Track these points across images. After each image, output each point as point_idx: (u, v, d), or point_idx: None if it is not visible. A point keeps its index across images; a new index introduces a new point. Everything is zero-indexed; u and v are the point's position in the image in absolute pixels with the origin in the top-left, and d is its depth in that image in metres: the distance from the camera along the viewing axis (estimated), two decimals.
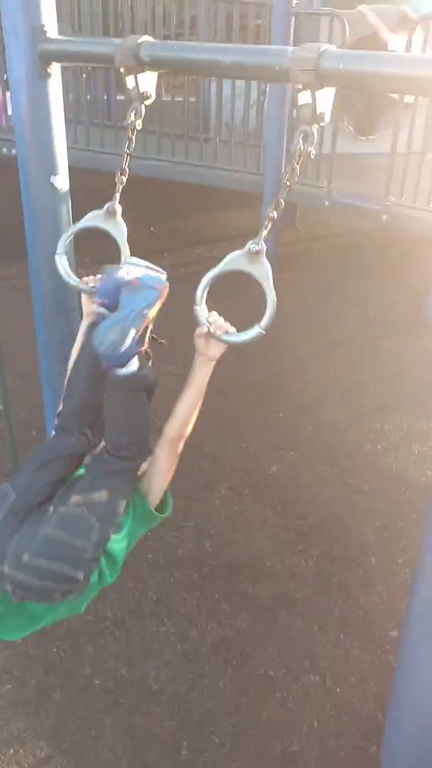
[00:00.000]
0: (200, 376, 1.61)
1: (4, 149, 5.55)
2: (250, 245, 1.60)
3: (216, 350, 1.59)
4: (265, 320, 1.59)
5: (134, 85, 1.82)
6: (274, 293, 1.59)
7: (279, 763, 1.92)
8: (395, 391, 3.83)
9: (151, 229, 6.17)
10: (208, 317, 1.60)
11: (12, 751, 1.94)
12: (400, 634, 2.01)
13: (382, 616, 2.39)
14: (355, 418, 3.57)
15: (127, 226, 1.91)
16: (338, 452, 3.28)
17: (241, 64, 1.59)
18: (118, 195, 1.91)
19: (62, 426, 1.73)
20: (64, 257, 1.94)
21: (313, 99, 1.48)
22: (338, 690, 2.13)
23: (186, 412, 1.63)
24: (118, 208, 1.91)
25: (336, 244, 6.27)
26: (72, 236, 1.97)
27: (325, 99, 1.49)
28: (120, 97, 5.79)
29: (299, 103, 1.51)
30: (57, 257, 1.95)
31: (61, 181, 2.17)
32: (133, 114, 1.87)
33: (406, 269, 5.28)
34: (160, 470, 1.65)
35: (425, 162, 4.97)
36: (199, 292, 1.62)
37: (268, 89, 5.15)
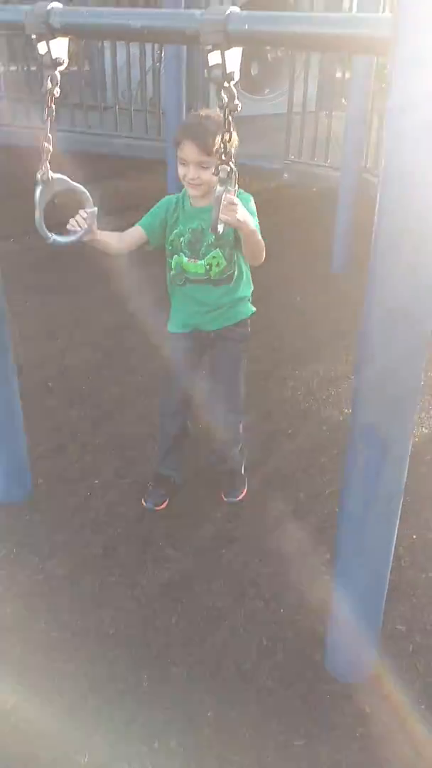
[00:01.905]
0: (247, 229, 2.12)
1: None
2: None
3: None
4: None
5: (46, 50, 1.86)
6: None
7: (235, 680, 2.09)
8: (309, 340, 4.04)
9: (54, 201, 6.11)
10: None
11: None
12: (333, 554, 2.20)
13: (315, 542, 2.60)
14: (274, 368, 3.75)
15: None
16: (261, 399, 3.46)
17: (152, 28, 1.67)
18: (47, 163, 1.98)
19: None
20: (53, 236, 2.09)
21: (223, 59, 1.58)
22: (282, 611, 2.32)
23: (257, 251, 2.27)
24: (47, 171, 1.99)
25: None
26: (42, 219, 2.06)
27: (234, 59, 1.60)
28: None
29: (209, 64, 1.61)
30: (49, 243, 2.09)
31: None
32: (49, 81, 1.92)
33: (310, 225, 5.50)
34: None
35: (320, 120, 5.15)
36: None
37: (163, 55, 5.18)
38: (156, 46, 5.78)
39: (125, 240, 2.40)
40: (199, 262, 2.37)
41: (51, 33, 1.82)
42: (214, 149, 2.03)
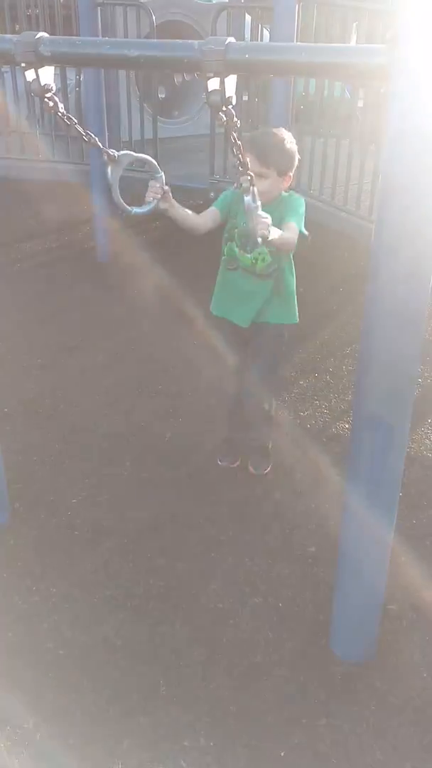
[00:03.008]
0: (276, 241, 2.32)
1: None
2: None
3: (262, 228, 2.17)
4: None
5: (35, 77, 1.92)
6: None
7: (250, 673, 2.18)
8: None
9: None
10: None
11: None
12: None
13: (298, 538, 2.73)
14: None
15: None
16: (217, 411, 3.56)
17: (149, 57, 1.77)
18: (102, 146, 2.15)
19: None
20: (134, 209, 2.29)
21: (222, 85, 1.71)
22: (280, 605, 2.43)
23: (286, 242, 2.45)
24: (112, 151, 2.19)
25: (160, 227, 6.53)
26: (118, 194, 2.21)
27: (231, 84, 1.73)
28: None
29: (208, 90, 1.73)
30: (133, 213, 2.30)
31: None
32: (50, 104, 1.98)
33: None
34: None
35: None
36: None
37: (82, 79, 5.24)
38: (68, 71, 5.84)
39: (204, 216, 2.62)
40: (248, 255, 2.65)
41: (39, 61, 1.88)
42: (271, 161, 2.44)
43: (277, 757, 1.94)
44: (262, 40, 5.29)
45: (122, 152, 2.22)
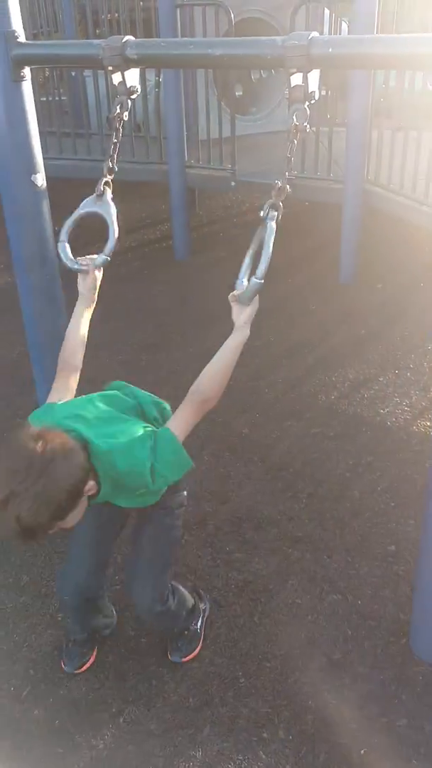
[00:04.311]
0: (235, 340, 1.79)
1: None
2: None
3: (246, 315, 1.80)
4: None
5: (121, 80, 1.97)
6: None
7: (329, 669, 2.18)
8: (331, 348, 4.16)
9: (56, 228, 6.20)
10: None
11: (82, 713, 2.07)
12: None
13: (377, 536, 2.70)
14: (303, 375, 3.86)
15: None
16: (298, 407, 3.56)
17: (232, 56, 1.78)
18: (104, 178, 2.05)
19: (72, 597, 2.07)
20: (66, 244, 2.09)
21: (305, 80, 1.71)
22: (359, 603, 2.41)
23: (218, 372, 1.79)
24: (107, 191, 2.06)
25: (240, 223, 6.56)
26: (71, 225, 2.08)
27: (314, 80, 1.73)
28: None
29: (291, 85, 1.73)
30: (59, 245, 2.09)
31: (40, 179, 2.29)
32: (119, 107, 2.02)
33: (315, 238, 5.66)
34: (179, 426, 1.72)
35: (310, 136, 5.34)
36: None
37: (162, 80, 5.32)
38: (147, 72, 5.94)
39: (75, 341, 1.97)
40: None
41: (126, 64, 1.93)
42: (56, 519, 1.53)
43: (357, 755, 1.93)
44: (340, 33, 5.23)
45: (110, 202, 2.06)
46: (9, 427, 2.12)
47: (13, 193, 2.27)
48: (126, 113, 2.07)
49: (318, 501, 2.92)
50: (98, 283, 2.03)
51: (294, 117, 1.77)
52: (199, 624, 2.29)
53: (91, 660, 2.24)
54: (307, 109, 1.78)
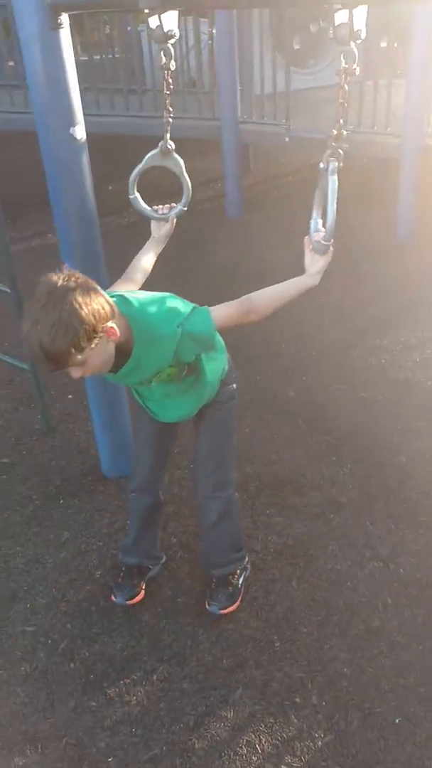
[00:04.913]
0: (303, 282, 1.86)
1: None
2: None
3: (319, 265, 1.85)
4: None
5: (158, 24, 1.88)
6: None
7: (365, 636, 2.13)
8: (384, 310, 4.02)
9: (110, 188, 6.15)
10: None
11: (116, 669, 2.09)
12: None
13: (423, 503, 2.61)
14: (354, 338, 3.75)
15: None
16: (347, 370, 3.47)
17: None
18: (168, 134, 2.04)
19: (139, 489, 2.28)
20: (138, 196, 2.14)
21: (351, 17, 1.59)
22: (401, 570, 2.34)
23: (275, 295, 1.85)
24: (171, 145, 2.06)
25: (294, 181, 6.39)
26: (137, 178, 2.11)
27: (361, 16, 1.60)
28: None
29: (335, 24, 1.62)
30: (131, 198, 2.14)
31: (80, 131, 2.23)
32: (163, 55, 1.95)
33: (371, 196, 5.45)
34: (218, 312, 1.79)
35: (367, 90, 5.11)
36: None
37: (215, 32, 5.16)
38: (201, 25, 5.76)
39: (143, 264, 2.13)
40: (153, 384, 1.95)
41: (163, 5, 1.84)
42: (65, 351, 1.57)
43: (391, 724, 1.89)
44: None
45: (176, 156, 2.10)
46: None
47: (52, 146, 2.22)
48: (172, 62, 2.00)
49: (363, 466, 2.84)
50: (172, 231, 2.15)
51: (342, 59, 1.67)
52: (241, 580, 2.30)
53: (141, 595, 2.30)
54: (355, 49, 1.68)
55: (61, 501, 2.74)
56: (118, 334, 1.68)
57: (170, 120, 2.07)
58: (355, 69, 1.74)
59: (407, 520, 2.54)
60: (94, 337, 1.60)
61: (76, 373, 1.67)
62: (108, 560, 2.46)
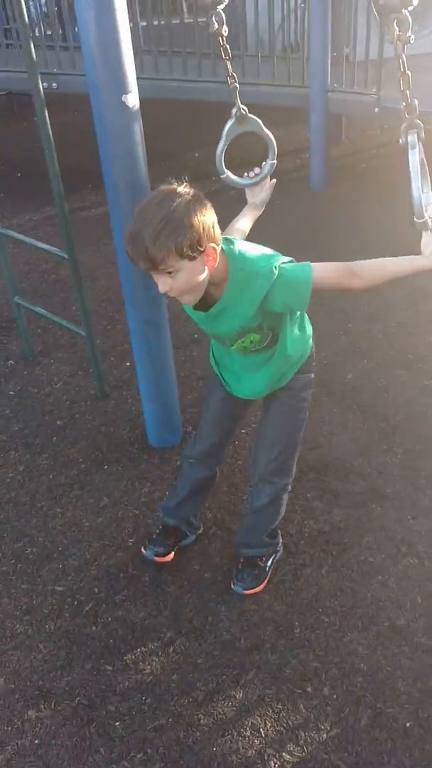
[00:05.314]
0: (416, 262, 1.79)
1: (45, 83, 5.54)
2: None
3: None
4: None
5: None
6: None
7: (387, 634, 2.06)
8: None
9: (196, 154, 6.12)
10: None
11: (135, 637, 2.12)
12: None
13: None
14: (424, 322, 3.58)
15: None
16: (412, 356, 3.33)
17: None
18: (238, 100, 2.02)
19: (197, 460, 2.27)
20: (228, 173, 2.13)
21: None
22: None
23: (383, 268, 1.81)
24: (245, 109, 2.05)
25: (385, 155, 6.13)
26: (223, 154, 2.11)
27: None
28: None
29: None
30: (223, 177, 2.13)
31: (133, 99, 2.20)
32: (215, 21, 1.90)
33: None
34: (319, 270, 1.75)
35: None
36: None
37: None
38: None
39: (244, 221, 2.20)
40: (233, 347, 1.94)
41: None
42: (164, 251, 1.56)
43: (402, 727, 1.83)
44: None
45: (252, 116, 2.07)
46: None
47: (105, 115, 2.20)
48: (224, 27, 1.95)
49: (413, 458, 2.72)
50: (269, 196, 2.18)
51: (395, 26, 1.58)
52: (269, 562, 2.28)
53: (170, 556, 2.33)
54: (408, 17, 1.59)
55: (105, 467, 2.79)
56: (217, 261, 1.68)
57: (237, 86, 2.04)
58: (410, 37, 1.66)
59: None
60: (197, 249, 1.60)
61: (163, 284, 1.66)
62: (142, 529, 2.49)
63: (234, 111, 2.04)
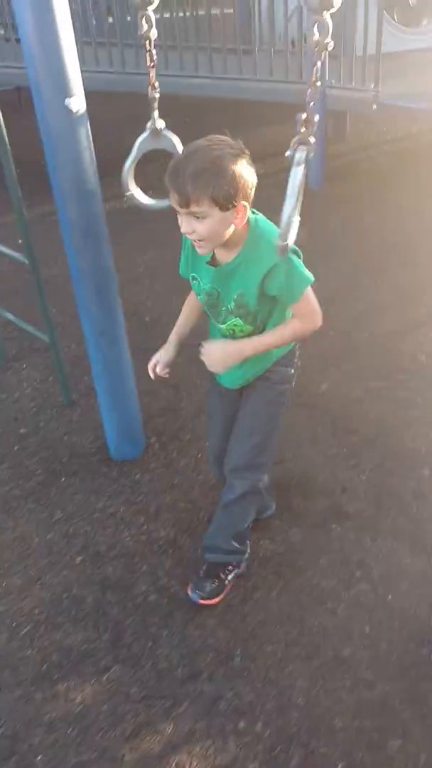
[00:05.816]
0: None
1: None
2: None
3: None
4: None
5: None
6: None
7: (331, 665, 1.95)
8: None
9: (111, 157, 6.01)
10: None
11: (71, 662, 2.04)
12: None
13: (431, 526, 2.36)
14: (408, 330, 3.45)
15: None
16: (392, 366, 3.20)
17: None
18: (156, 112, 1.92)
19: (217, 468, 2.26)
20: (134, 192, 2.03)
21: None
22: (390, 597, 2.13)
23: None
24: (160, 123, 1.94)
25: (388, 152, 5.98)
26: (131, 169, 2.00)
27: None
28: None
29: None
30: (127, 196, 2.03)
31: (77, 103, 2.11)
32: (144, 22, 1.80)
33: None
34: (311, 299, 1.81)
35: None
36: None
37: None
38: None
39: (191, 307, 2.09)
40: (222, 326, 1.92)
41: None
42: (201, 191, 1.56)
43: None
44: None
45: (168, 133, 1.97)
46: None
47: (48, 120, 2.12)
48: (153, 30, 1.84)
49: (381, 475, 2.61)
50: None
51: (315, 30, 1.46)
52: (230, 576, 2.20)
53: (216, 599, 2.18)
54: (330, 20, 1.49)
55: (63, 479, 2.72)
56: (245, 221, 1.68)
57: (156, 96, 1.92)
58: (329, 43, 1.57)
59: (410, 542, 2.31)
60: (231, 202, 1.60)
61: (188, 225, 1.65)
62: (91, 548, 2.41)
63: (149, 124, 1.93)
